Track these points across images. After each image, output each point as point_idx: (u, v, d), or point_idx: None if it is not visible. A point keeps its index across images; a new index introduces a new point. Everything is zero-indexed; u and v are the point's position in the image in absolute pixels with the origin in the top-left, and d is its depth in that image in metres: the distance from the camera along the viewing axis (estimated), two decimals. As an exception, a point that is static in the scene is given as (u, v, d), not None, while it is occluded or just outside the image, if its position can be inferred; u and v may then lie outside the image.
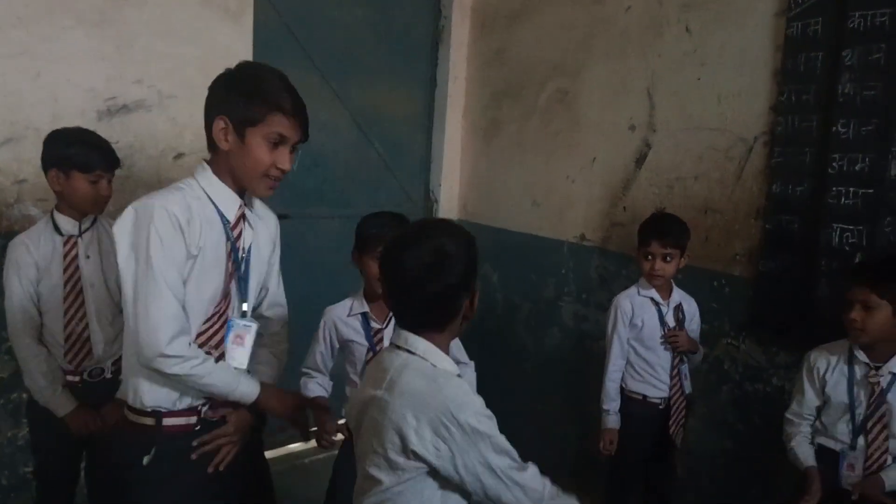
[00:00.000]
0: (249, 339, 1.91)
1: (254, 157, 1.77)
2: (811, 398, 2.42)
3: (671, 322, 2.87)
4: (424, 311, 1.55)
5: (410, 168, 4.47)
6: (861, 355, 2.30)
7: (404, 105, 4.38)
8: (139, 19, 3.09)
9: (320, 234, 4.01)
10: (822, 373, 2.38)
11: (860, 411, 2.29)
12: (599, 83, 3.64)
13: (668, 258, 2.79)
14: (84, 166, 2.39)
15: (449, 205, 4.55)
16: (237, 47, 3.36)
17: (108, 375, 2.56)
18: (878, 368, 2.27)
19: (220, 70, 3.26)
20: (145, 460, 1.81)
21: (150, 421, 1.83)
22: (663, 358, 2.88)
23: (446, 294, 1.53)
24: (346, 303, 2.52)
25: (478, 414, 1.48)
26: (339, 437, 2.38)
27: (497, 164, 4.30)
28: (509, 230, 4.20)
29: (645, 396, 2.90)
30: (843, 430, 2.32)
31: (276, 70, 1.84)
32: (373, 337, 2.45)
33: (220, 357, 1.86)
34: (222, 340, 1.88)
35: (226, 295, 1.86)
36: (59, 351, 2.49)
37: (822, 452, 2.37)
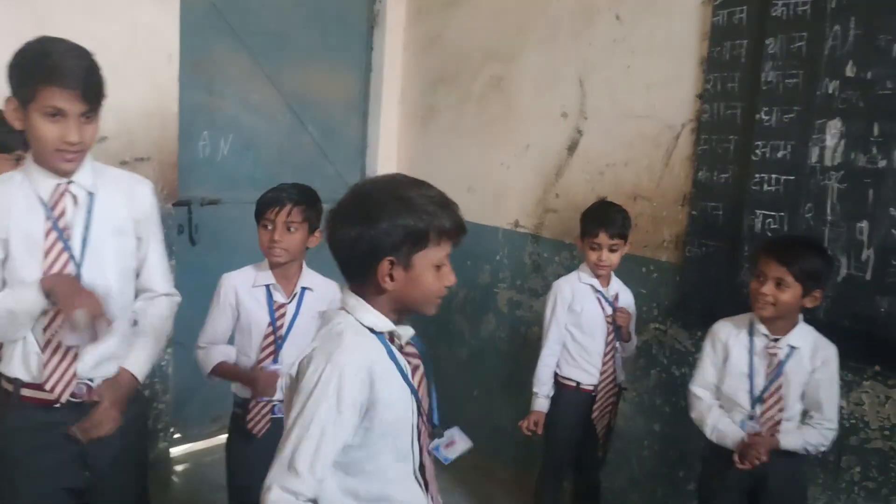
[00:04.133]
0: None
1: (37, 133, 1.77)
2: (709, 370, 2.49)
3: (609, 310, 2.89)
4: (338, 258, 1.52)
5: (346, 153, 4.42)
6: (761, 328, 2.37)
7: (339, 89, 4.32)
8: (59, -5, 2.98)
9: (252, 220, 3.93)
10: (724, 342, 2.45)
11: (759, 381, 2.37)
12: (533, 70, 3.66)
13: (614, 248, 2.78)
14: (4, 146, 2.33)
15: (385, 191, 4.51)
16: (162, 26, 3.26)
17: None
18: (776, 341, 2.35)
19: (145, 50, 3.22)
20: None
21: (9, 387, 1.88)
22: (600, 345, 2.89)
23: (348, 243, 1.45)
24: (248, 272, 2.47)
25: (335, 365, 1.40)
26: None
27: (433, 150, 4.28)
28: (445, 217, 4.18)
29: (578, 383, 2.90)
30: (742, 399, 2.40)
31: (61, 41, 1.80)
32: (275, 311, 2.40)
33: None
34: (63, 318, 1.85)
35: (51, 272, 1.84)
36: None
37: None
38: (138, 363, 2.03)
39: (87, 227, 1.89)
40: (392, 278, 1.46)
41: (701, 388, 2.51)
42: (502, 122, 3.83)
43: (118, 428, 1.95)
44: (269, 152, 4.01)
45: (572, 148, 3.46)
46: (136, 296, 2.09)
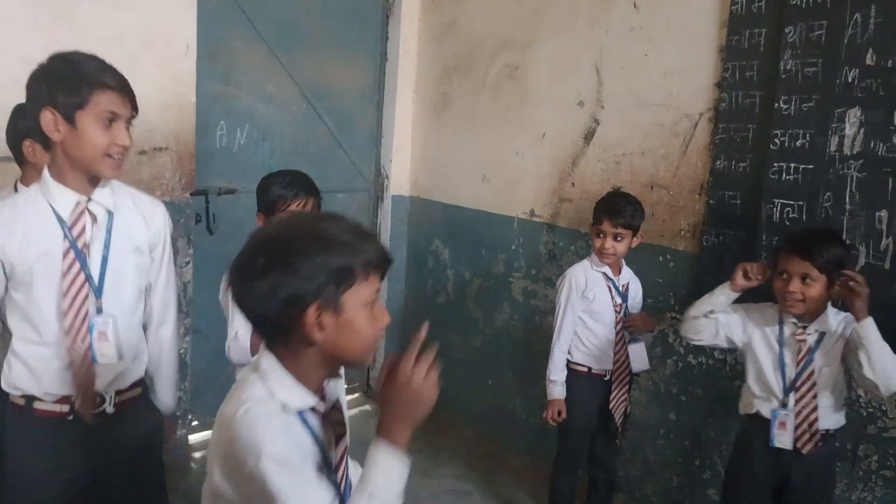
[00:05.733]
0: (112, 333, 1.91)
1: (89, 139, 1.76)
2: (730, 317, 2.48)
3: (619, 299, 2.91)
4: (253, 316, 1.31)
5: (361, 143, 4.43)
6: (789, 316, 2.36)
7: (354, 79, 4.33)
8: (77, -14, 2.99)
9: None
10: (753, 322, 2.44)
11: (789, 371, 2.35)
12: (548, 58, 3.65)
13: (619, 238, 2.80)
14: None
15: (400, 180, 4.52)
16: (180, 17, 3.27)
17: None
18: (804, 328, 2.33)
19: (163, 41, 3.23)
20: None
21: (21, 402, 1.89)
22: (611, 332, 2.91)
23: (263, 297, 1.24)
24: None
25: (273, 460, 1.19)
26: None
27: (448, 139, 4.28)
28: (460, 206, 4.20)
29: (590, 369, 2.92)
30: (775, 389, 2.37)
31: (89, 53, 1.81)
32: None
33: (86, 352, 1.88)
34: (86, 336, 1.87)
35: (70, 293, 1.85)
36: None
37: (755, 419, 2.42)
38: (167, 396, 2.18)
39: (107, 246, 1.89)
40: (321, 327, 1.25)
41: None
42: (517, 111, 3.83)
43: (134, 446, 2.02)
44: (284, 142, 4.02)
45: (588, 136, 3.45)
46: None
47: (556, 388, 2.94)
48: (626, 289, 2.95)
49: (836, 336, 2.32)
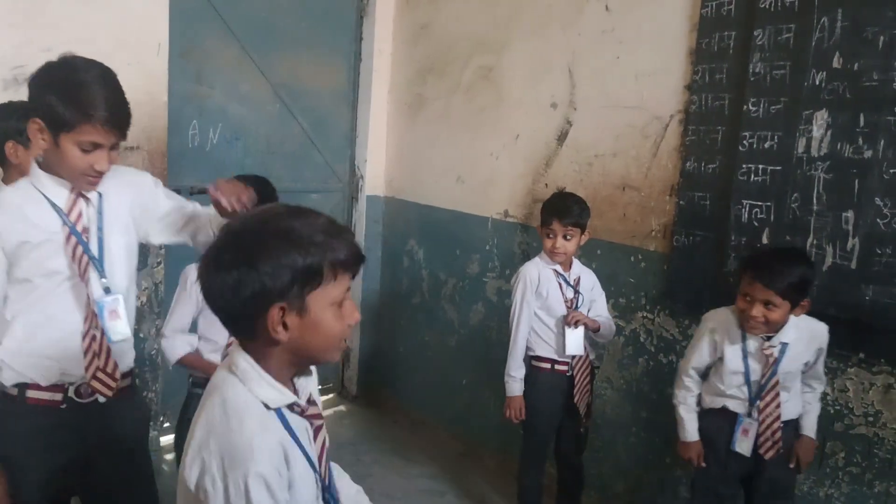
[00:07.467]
0: (122, 310, 1.96)
1: (68, 160, 1.80)
2: (704, 353, 2.51)
3: (570, 293, 2.95)
4: (218, 309, 1.29)
5: (335, 143, 4.42)
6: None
7: (328, 79, 4.32)
8: (48, -16, 2.97)
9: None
10: (718, 333, 2.47)
11: (755, 380, 2.39)
12: (523, 60, 3.66)
13: (568, 237, 2.85)
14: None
15: (375, 181, 4.52)
16: (152, 15, 3.26)
17: None
18: (769, 339, 2.37)
19: (135, 39, 3.21)
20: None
21: (14, 392, 1.90)
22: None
23: (228, 291, 1.22)
24: None
25: (257, 476, 1.19)
26: None
27: (422, 140, 4.29)
28: (434, 206, 4.20)
29: (553, 364, 2.95)
30: (739, 396, 2.42)
31: (98, 68, 1.82)
32: None
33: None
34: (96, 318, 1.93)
35: (79, 276, 1.90)
36: None
37: (724, 412, 2.47)
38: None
39: (100, 228, 1.94)
40: (285, 327, 1.24)
41: (694, 369, 2.55)
42: (492, 112, 3.84)
43: (124, 436, 2.04)
44: (258, 142, 4.01)
45: (561, 138, 3.47)
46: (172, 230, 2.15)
47: (515, 384, 2.97)
48: (578, 282, 2.98)
49: (800, 348, 2.37)
